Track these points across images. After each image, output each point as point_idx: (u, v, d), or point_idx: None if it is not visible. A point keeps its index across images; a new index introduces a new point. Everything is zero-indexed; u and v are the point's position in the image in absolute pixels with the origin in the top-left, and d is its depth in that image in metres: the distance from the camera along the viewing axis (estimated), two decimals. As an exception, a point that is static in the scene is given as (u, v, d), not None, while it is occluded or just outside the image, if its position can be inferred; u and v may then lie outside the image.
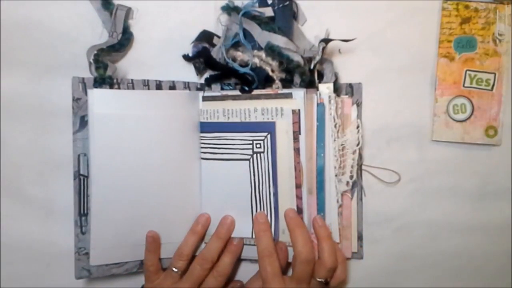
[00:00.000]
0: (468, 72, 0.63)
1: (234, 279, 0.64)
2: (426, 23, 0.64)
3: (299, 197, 0.58)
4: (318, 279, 0.56)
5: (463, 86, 0.63)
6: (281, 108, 0.57)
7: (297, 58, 0.58)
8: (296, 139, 0.57)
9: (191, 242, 0.59)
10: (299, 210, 0.58)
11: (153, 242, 0.58)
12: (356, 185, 0.62)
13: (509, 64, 0.62)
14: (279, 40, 0.59)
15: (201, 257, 0.58)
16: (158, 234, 0.59)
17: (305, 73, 0.58)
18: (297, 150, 0.57)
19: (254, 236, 0.58)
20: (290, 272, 0.59)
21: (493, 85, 0.62)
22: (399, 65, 0.64)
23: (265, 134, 0.58)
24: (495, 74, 0.62)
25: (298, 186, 0.57)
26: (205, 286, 0.57)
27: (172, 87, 0.60)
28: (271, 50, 0.58)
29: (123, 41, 0.59)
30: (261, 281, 0.57)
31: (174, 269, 0.57)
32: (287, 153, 0.57)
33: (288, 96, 0.57)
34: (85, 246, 0.57)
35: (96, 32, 0.60)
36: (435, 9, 0.63)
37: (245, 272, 0.63)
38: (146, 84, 0.59)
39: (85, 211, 0.57)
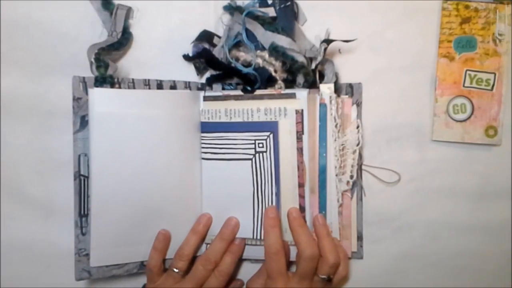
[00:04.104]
0: (468, 72, 0.63)
1: (235, 278, 0.63)
2: (426, 23, 0.64)
3: (301, 196, 0.58)
4: (321, 276, 0.56)
5: (463, 86, 0.63)
6: (284, 108, 0.57)
7: (301, 59, 0.58)
8: (299, 139, 0.57)
9: (192, 242, 0.58)
10: (302, 209, 0.58)
11: (163, 240, 0.58)
12: (356, 185, 0.62)
13: (509, 64, 0.62)
14: (283, 41, 0.58)
15: (204, 257, 0.58)
16: (170, 234, 0.58)
17: (309, 74, 0.58)
18: (300, 150, 0.57)
19: (255, 236, 0.58)
20: (293, 269, 0.59)
21: (493, 85, 0.62)
22: (399, 65, 0.64)
23: (267, 133, 0.57)
24: (495, 74, 0.62)
25: (301, 185, 0.58)
26: (207, 286, 0.57)
27: (173, 86, 0.60)
28: (275, 51, 0.58)
29: (122, 40, 0.59)
30: (262, 280, 0.57)
31: (175, 269, 0.57)
32: (290, 152, 0.57)
33: (292, 96, 0.57)
34: (85, 247, 0.57)
35: (96, 32, 0.60)
36: (435, 9, 0.63)
37: (247, 272, 0.63)
38: (147, 84, 0.59)
39: (86, 212, 0.57)
